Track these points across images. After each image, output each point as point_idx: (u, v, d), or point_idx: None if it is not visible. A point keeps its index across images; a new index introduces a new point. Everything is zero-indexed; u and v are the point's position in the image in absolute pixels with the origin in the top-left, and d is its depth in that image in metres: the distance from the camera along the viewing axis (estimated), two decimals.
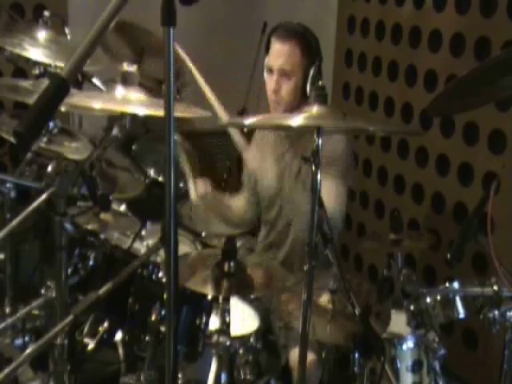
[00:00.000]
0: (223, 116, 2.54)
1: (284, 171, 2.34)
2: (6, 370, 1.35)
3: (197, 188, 2.48)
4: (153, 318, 1.90)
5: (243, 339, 1.99)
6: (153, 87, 2.84)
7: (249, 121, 1.73)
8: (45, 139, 1.87)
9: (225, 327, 1.83)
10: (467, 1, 2.67)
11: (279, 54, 2.23)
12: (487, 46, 2.58)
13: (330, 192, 2.12)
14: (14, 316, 2.22)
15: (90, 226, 2.24)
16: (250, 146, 2.51)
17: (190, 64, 2.63)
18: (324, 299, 1.87)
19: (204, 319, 1.88)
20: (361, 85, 3.40)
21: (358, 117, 3.37)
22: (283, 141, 2.37)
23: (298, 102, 2.22)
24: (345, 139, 2.28)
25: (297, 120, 1.54)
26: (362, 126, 1.86)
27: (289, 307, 1.87)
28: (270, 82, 2.25)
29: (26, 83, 2.24)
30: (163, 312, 1.88)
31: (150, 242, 2.42)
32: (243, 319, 2.08)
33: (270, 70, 2.25)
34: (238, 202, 2.57)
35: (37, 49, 2.15)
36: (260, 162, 2.43)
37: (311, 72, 2.17)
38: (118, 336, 2.08)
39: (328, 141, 2.17)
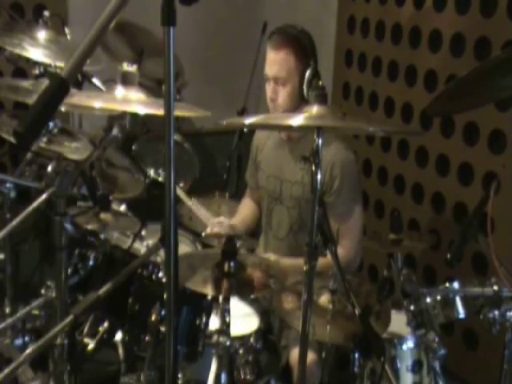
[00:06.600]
0: (208, 219, 2.48)
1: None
2: (6, 370, 1.35)
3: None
4: (153, 318, 1.89)
5: (243, 339, 1.99)
6: (153, 87, 2.85)
7: (249, 121, 1.73)
8: (45, 139, 1.87)
9: (225, 327, 1.83)
10: (467, 1, 2.67)
11: (273, 62, 2.24)
12: (487, 46, 2.57)
13: (350, 231, 2.23)
14: (14, 316, 2.22)
15: (89, 226, 2.24)
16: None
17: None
18: (324, 299, 1.88)
19: (204, 319, 1.88)
20: (361, 85, 3.40)
21: (357, 117, 3.37)
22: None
23: (296, 105, 2.22)
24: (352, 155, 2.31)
25: (297, 120, 1.54)
26: (362, 126, 1.86)
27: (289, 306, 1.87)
28: (268, 89, 2.28)
29: (26, 83, 2.24)
30: (163, 312, 1.88)
31: (150, 242, 2.42)
32: (243, 319, 2.09)
33: (267, 78, 2.27)
34: (247, 210, 2.60)
35: (37, 49, 2.15)
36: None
37: (307, 75, 2.16)
38: (118, 336, 2.08)
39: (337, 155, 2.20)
